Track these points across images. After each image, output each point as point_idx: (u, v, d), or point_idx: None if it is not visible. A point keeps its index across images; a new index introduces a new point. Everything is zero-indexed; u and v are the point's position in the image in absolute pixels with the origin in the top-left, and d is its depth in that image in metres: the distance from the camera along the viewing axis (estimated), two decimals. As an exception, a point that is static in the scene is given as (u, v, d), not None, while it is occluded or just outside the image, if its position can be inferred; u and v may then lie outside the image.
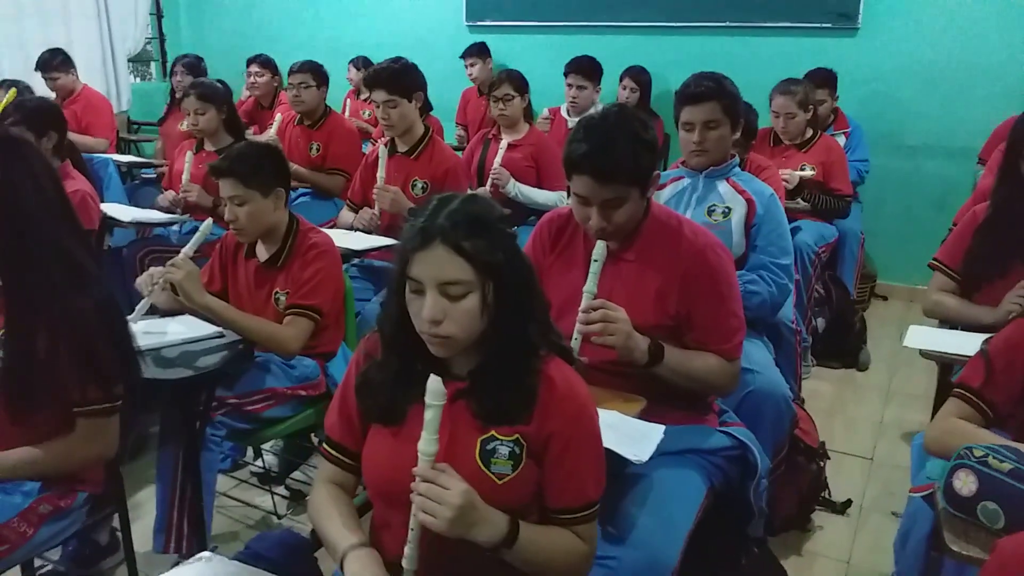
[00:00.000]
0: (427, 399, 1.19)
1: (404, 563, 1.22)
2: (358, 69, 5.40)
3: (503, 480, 1.27)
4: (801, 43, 4.78)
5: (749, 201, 2.49)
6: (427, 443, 1.19)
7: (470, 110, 5.24)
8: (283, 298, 2.38)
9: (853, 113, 4.63)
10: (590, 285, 1.73)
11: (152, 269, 2.25)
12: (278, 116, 4.14)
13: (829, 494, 2.68)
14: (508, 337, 1.26)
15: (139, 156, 5.09)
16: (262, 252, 2.43)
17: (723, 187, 2.53)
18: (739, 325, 1.85)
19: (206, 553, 1.33)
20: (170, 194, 3.47)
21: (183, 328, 2.28)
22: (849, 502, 2.69)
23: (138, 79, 6.91)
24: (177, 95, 4.65)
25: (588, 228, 1.78)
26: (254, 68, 5.00)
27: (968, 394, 1.61)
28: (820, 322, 3.85)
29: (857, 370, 3.84)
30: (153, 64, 6.98)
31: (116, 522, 2.00)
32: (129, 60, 6.52)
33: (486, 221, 1.24)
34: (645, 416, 1.72)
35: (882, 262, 4.79)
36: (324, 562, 1.48)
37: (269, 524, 2.60)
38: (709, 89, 2.43)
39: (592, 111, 4.26)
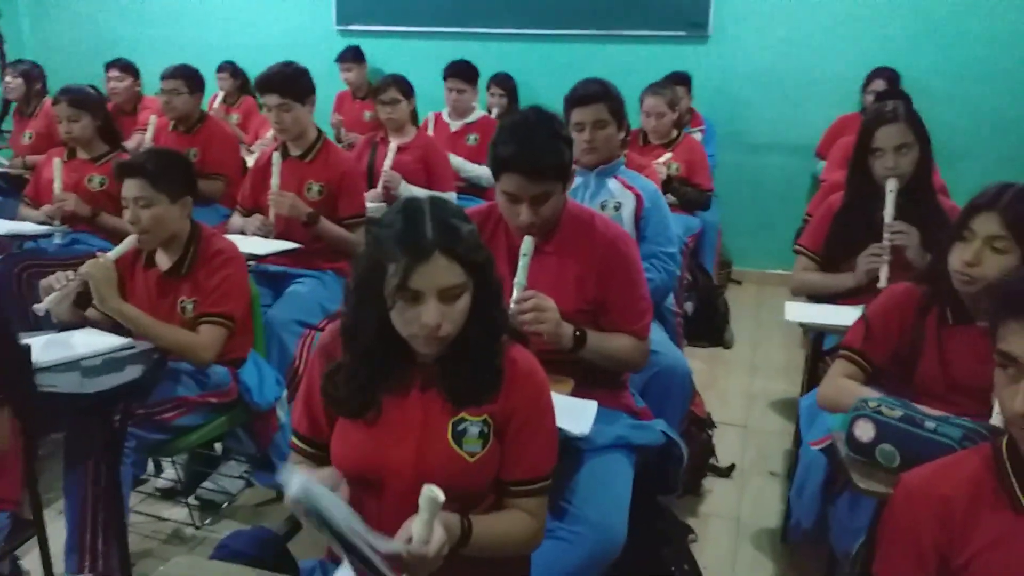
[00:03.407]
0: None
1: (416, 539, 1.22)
2: (232, 76, 5.26)
3: (475, 457, 1.36)
4: (657, 50, 5.13)
5: (637, 196, 2.70)
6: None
7: (344, 113, 5.24)
8: (190, 307, 2.35)
9: (704, 114, 5.03)
10: (520, 277, 1.85)
11: (58, 272, 2.19)
12: (152, 119, 3.98)
13: (716, 460, 2.95)
14: (483, 325, 1.35)
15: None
16: (163, 260, 2.39)
17: (613, 184, 2.73)
18: (647, 307, 2.04)
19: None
20: (46, 207, 3.28)
21: (89, 340, 2.22)
22: (732, 466, 2.98)
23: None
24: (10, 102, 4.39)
25: (518, 224, 1.90)
26: (113, 73, 4.76)
27: (852, 354, 1.87)
28: (689, 306, 4.17)
29: (724, 348, 4.20)
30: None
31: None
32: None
33: (463, 223, 1.32)
34: (574, 395, 1.88)
35: (735, 250, 5.21)
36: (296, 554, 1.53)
37: (182, 537, 2.55)
38: (597, 92, 2.63)
39: (480, 111, 4.44)
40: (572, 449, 1.82)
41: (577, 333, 1.90)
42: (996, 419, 1.59)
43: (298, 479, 1.18)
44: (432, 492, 1.18)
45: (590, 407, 1.78)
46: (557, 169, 1.86)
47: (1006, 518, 1.19)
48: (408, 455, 1.35)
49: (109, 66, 4.79)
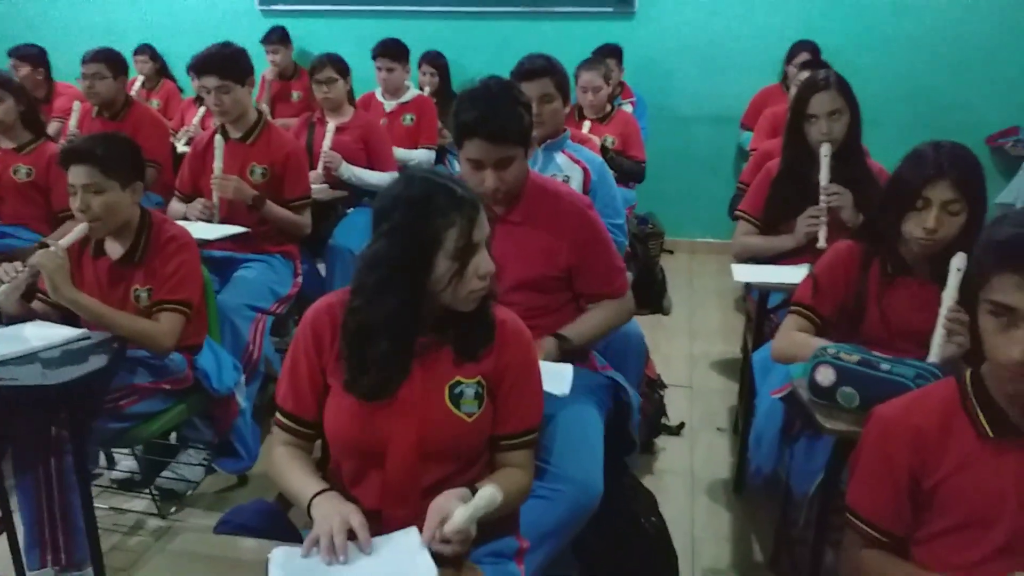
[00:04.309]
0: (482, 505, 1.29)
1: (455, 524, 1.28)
2: (151, 59, 5.08)
3: (472, 418, 1.42)
4: (585, 26, 5.21)
5: (584, 169, 2.77)
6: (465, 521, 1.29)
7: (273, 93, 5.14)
8: (144, 295, 2.31)
9: (633, 88, 5.14)
10: None
11: (5, 264, 2.11)
12: (76, 105, 3.82)
13: (667, 419, 3.08)
14: None
15: None
16: (114, 249, 2.33)
17: (560, 158, 2.80)
18: (621, 265, 2.17)
19: None
20: None
21: (42, 332, 2.15)
22: (682, 424, 3.11)
23: None
24: None
25: (483, 192, 1.94)
26: (12, 63, 4.51)
27: (802, 309, 1.99)
28: (628, 275, 4.28)
29: (663, 314, 4.35)
30: None
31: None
32: None
33: None
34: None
35: (666, 220, 5.35)
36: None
37: (146, 528, 2.51)
38: (543, 66, 2.69)
39: (414, 91, 4.43)
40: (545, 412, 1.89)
41: (560, 342, 1.98)
42: (933, 358, 1.74)
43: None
44: (494, 494, 1.29)
45: (567, 370, 1.85)
46: (518, 133, 1.92)
47: (972, 444, 1.32)
48: (410, 422, 1.39)
49: (9, 54, 4.54)
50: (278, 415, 1.50)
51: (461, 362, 1.42)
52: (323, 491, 1.37)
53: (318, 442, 1.53)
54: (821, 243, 2.50)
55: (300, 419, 1.48)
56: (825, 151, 2.52)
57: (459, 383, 1.42)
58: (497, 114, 1.87)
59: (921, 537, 1.38)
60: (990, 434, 1.31)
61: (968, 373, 1.36)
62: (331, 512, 1.30)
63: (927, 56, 4.93)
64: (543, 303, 2.03)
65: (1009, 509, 1.30)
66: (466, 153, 1.92)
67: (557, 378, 1.79)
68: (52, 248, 2.16)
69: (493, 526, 1.48)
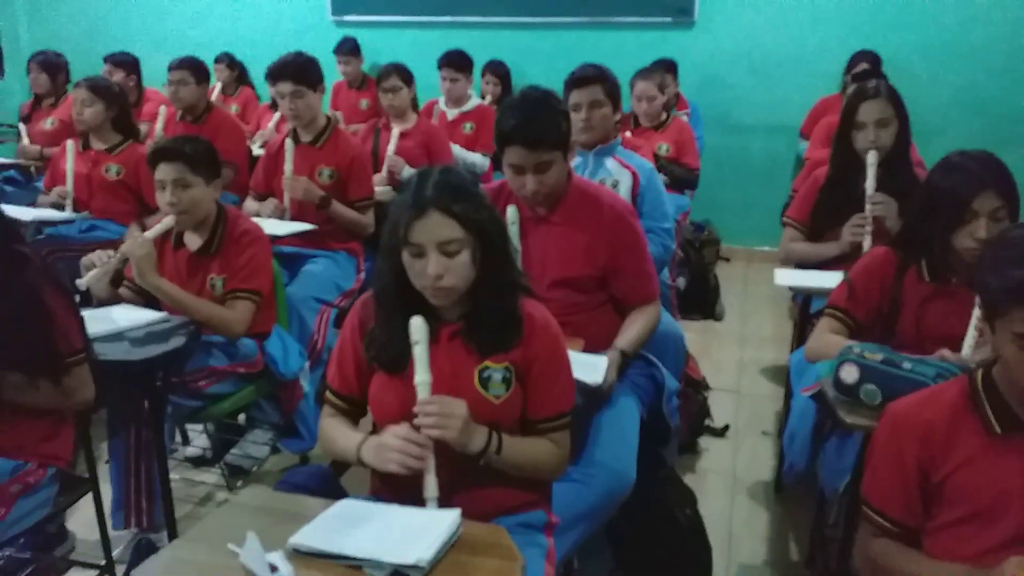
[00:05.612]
0: (413, 337, 1.46)
1: (427, 493, 1.43)
2: (228, 67, 5.38)
3: (499, 400, 1.53)
4: (645, 36, 5.31)
5: (634, 174, 2.87)
6: (422, 374, 1.45)
7: (340, 102, 5.38)
8: (219, 283, 2.50)
9: (690, 97, 5.21)
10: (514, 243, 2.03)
11: (99, 251, 2.33)
12: (162, 109, 4.11)
13: (712, 421, 3.15)
14: (496, 282, 1.52)
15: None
16: (193, 241, 2.54)
17: (610, 163, 2.90)
18: (654, 272, 2.25)
19: None
20: (57, 188, 3.41)
21: (128, 314, 2.36)
22: (727, 427, 3.17)
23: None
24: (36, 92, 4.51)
25: (525, 195, 2.08)
26: (107, 68, 4.85)
27: (837, 311, 2.05)
28: (681, 281, 4.36)
29: (715, 320, 4.40)
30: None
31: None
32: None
33: (466, 187, 1.49)
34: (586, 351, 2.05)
35: (723, 228, 5.39)
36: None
37: (215, 500, 2.71)
38: (593, 74, 2.80)
39: (476, 100, 4.60)
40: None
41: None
42: (966, 352, 1.79)
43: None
44: (418, 321, 1.45)
45: (600, 361, 1.96)
46: (555, 138, 2.04)
47: (980, 440, 1.38)
48: None
49: (105, 60, 4.89)
50: (327, 393, 1.66)
51: (490, 351, 1.53)
52: (365, 438, 1.52)
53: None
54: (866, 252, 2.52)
55: (344, 396, 1.63)
56: (872, 159, 2.56)
57: (487, 368, 1.52)
58: (534, 121, 2.00)
59: (931, 528, 1.44)
60: (998, 430, 1.37)
61: (980, 373, 1.41)
62: (378, 441, 1.47)
63: (993, 66, 4.86)
64: (580, 301, 2.14)
65: (1016, 503, 1.35)
66: (507, 159, 2.06)
67: (590, 368, 1.90)
68: (141, 237, 2.37)
69: (523, 500, 1.60)
